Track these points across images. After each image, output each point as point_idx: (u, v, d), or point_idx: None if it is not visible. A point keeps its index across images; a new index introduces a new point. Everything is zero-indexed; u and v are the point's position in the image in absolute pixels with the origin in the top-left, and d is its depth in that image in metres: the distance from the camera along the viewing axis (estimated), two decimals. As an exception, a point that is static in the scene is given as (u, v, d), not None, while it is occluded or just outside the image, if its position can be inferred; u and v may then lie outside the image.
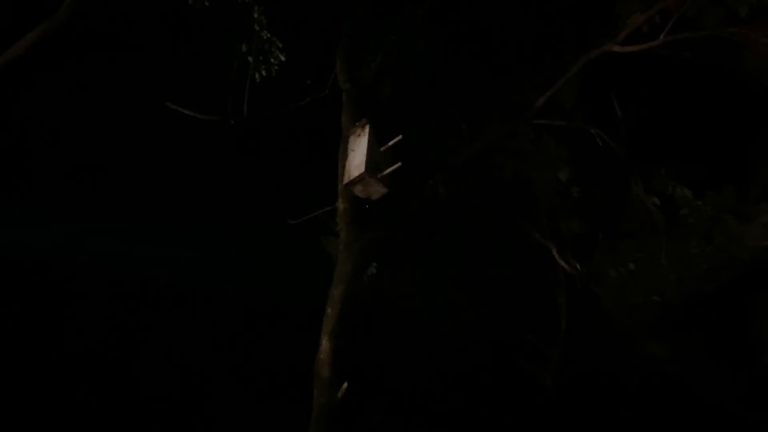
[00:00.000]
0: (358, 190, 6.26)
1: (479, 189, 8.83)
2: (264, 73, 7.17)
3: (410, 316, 10.25)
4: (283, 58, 7.19)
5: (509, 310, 9.96)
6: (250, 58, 7.06)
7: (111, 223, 10.59)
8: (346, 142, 6.49)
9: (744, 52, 7.34)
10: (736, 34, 7.02)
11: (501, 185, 8.83)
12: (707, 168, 8.61)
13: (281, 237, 9.17)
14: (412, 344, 10.60)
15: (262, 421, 10.74)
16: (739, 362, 9.46)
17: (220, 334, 11.12)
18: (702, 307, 8.87)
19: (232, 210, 10.54)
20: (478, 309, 10.03)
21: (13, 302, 10.08)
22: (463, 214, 9.12)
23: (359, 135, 6.33)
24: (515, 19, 8.44)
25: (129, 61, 9.19)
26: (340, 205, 6.61)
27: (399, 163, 6.19)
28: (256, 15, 6.94)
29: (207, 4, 6.72)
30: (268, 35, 7.07)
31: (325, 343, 6.17)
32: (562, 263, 8.61)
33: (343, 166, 6.41)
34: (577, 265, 8.60)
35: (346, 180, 6.26)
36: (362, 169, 6.08)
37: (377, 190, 6.24)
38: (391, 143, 6.35)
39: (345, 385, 6.08)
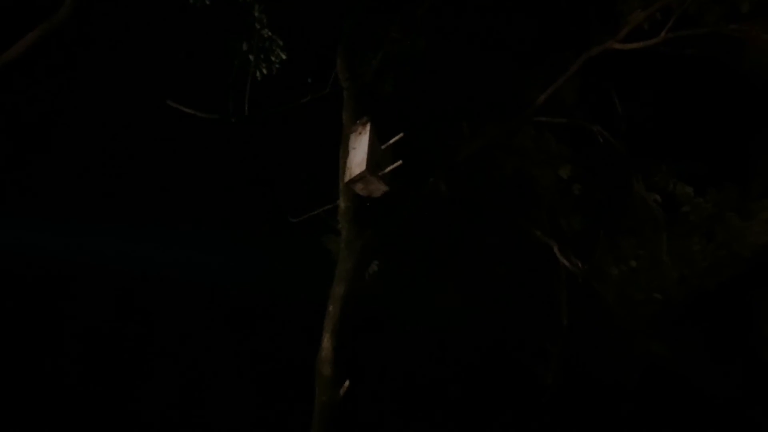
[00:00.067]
0: (359, 188, 6.26)
1: (480, 186, 8.83)
2: (265, 71, 7.16)
3: (411, 314, 10.25)
4: (284, 57, 7.18)
5: (510, 308, 9.96)
6: (251, 57, 7.05)
7: (111, 223, 10.59)
8: (347, 140, 6.49)
9: (745, 49, 7.34)
10: (737, 31, 7.02)
11: (502, 183, 8.83)
12: (708, 165, 8.61)
13: (282, 235, 9.17)
14: (412, 342, 10.60)
15: (264, 419, 10.75)
16: (741, 359, 9.45)
17: (222, 333, 11.13)
18: (703, 304, 8.86)
19: (233, 208, 10.54)
20: (479, 306, 10.03)
21: (13, 302, 10.08)
22: (464, 211, 9.12)
23: (360, 133, 6.32)
24: (516, 16, 8.43)
25: (130, 60, 9.19)
26: (342, 203, 6.62)
27: (400, 161, 6.19)
28: (256, 14, 6.94)
29: (208, 2, 6.71)
30: (269, 34, 7.06)
31: (326, 342, 6.18)
32: (564, 260, 8.61)
33: (344, 164, 6.41)
34: (579, 263, 8.60)
35: (347, 178, 6.26)
36: (363, 167, 6.08)
37: (378, 188, 6.24)
38: (392, 141, 6.35)
39: (347, 383, 6.09)
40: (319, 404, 6.07)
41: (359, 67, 7.09)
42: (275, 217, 8.43)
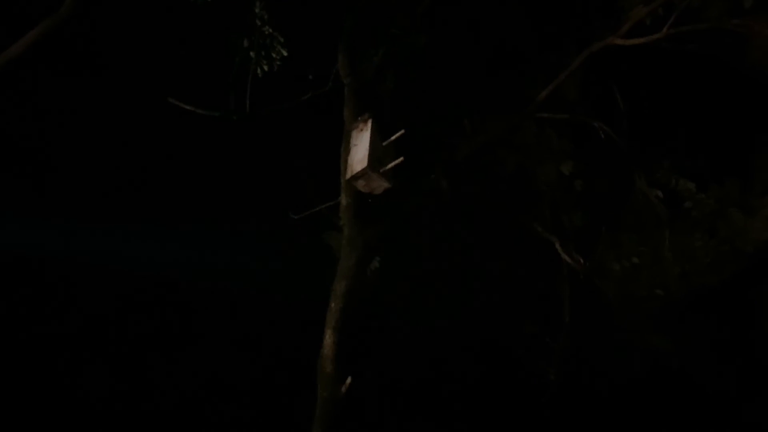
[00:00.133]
0: (360, 184, 6.26)
1: (482, 183, 8.82)
2: (266, 68, 7.16)
3: (412, 311, 10.25)
4: (284, 53, 7.17)
5: (512, 304, 9.96)
6: (251, 54, 7.05)
7: (110, 221, 10.58)
8: (349, 137, 6.48)
9: (748, 45, 7.31)
10: (740, 26, 6.99)
11: (503, 179, 8.82)
12: (710, 161, 8.59)
13: (284, 232, 9.17)
14: (414, 339, 10.60)
15: (266, 416, 10.77)
16: (743, 355, 9.45)
17: (222, 330, 11.14)
18: (705, 300, 8.86)
19: (233, 206, 10.54)
20: (481, 303, 10.03)
21: (12, 302, 10.08)
22: (465, 208, 9.11)
23: (361, 130, 6.32)
24: (517, 12, 8.41)
25: (130, 57, 9.18)
26: (343, 200, 6.61)
27: (401, 158, 6.19)
28: (257, 10, 6.93)
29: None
30: (270, 30, 7.05)
31: (328, 338, 6.18)
32: (565, 257, 8.60)
33: (346, 161, 6.40)
34: (580, 259, 8.59)
35: (348, 175, 6.25)
36: (365, 163, 6.08)
37: (380, 185, 6.24)
38: (393, 138, 6.34)
39: (348, 379, 6.10)
40: (321, 401, 6.08)
41: (360, 64, 7.07)
42: (276, 214, 8.43)
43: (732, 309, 9.29)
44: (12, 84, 6.86)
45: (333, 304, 6.30)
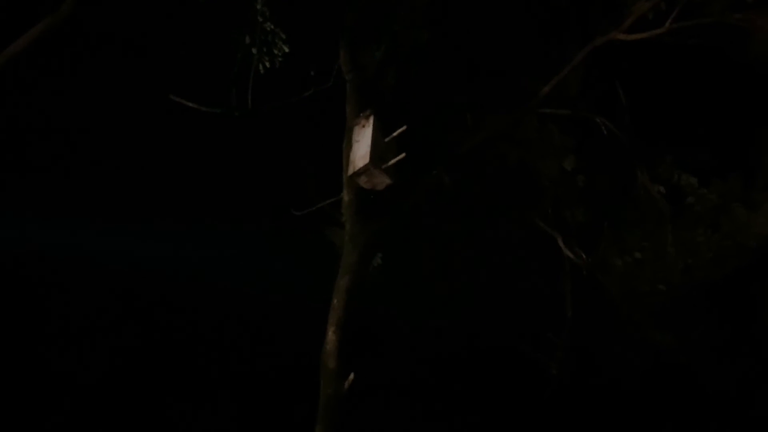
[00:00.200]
0: (362, 181, 6.26)
1: (484, 178, 8.81)
2: (268, 64, 7.15)
3: (414, 307, 10.26)
4: (286, 50, 7.16)
5: (514, 300, 9.96)
6: (253, 50, 7.04)
7: (111, 220, 10.58)
8: (351, 133, 6.48)
9: (750, 39, 7.29)
10: (742, 21, 6.97)
11: (505, 175, 8.81)
12: (713, 156, 8.57)
13: (286, 228, 9.18)
14: (416, 334, 10.62)
15: (270, 412, 10.79)
16: (746, 351, 9.44)
17: (224, 327, 11.15)
18: (708, 295, 8.85)
19: (235, 202, 10.55)
20: (483, 298, 10.03)
21: (12, 301, 10.08)
22: (467, 203, 9.11)
23: (363, 126, 6.32)
24: (519, 7, 8.39)
25: (132, 55, 9.17)
26: (345, 196, 6.61)
27: (403, 154, 6.19)
28: (259, 6, 6.92)
29: (210, -4, 6.71)
30: (272, 27, 7.04)
31: (331, 334, 6.19)
32: (568, 252, 8.60)
33: (348, 157, 6.40)
34: (583, 254, 8.59)
35: (350, 171, 6.25)
36: (367, 160, 6.08)
37: (382, 181, 6.24)
38: (395, 134, 6.34)
39: (351, 375, 6.10)
40: (324, 397, 6.09)
41: (362, 60, 7.07)
42: (278, 210, 8.43)
43: (735, 304, 9.29)
44: (12, 82, 6.85)
45: (335, 301, 6.31)
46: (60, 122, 9.83)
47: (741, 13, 6.92)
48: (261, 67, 7.12)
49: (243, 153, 10.05)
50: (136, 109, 9.62)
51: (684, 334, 9.08)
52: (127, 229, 10.81)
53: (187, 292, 10.97)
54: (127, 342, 10.84)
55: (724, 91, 8.82)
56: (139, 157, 10.27)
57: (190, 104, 6.93)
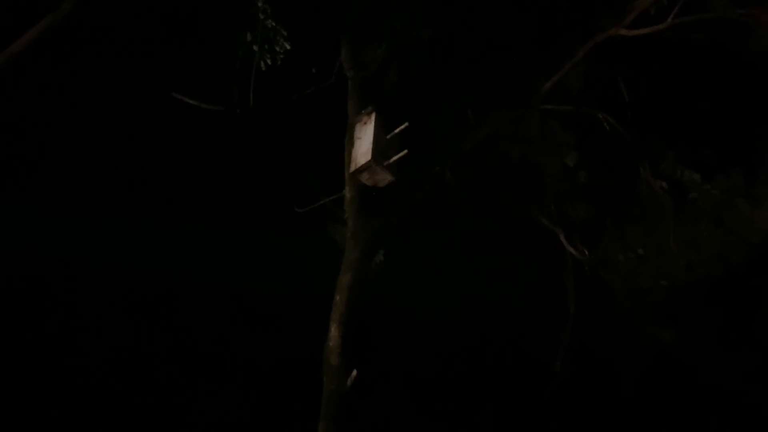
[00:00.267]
0: (364, 177, 6.26)
1: (486, 175, 8.81)
2: (269, 61, 7.15)
3: (417, 303, 10.27)
4: (288, 47, 7.16)
5: (517, 296, 9.97)
6: (255, 47, 7.04)
7: (111, 219, 10.56)
8: (353, 130, 6.48)
9: (753, 34, 7.28)
10: (744, 16, 6.97)
11: (508, 171, 8.81)
12: (715, 151, 8.56)
13: (288, 225, 9.18)
14: (419, 331, 10.62)
15: (273, 409, 10.81)
16: (749, 346, 9.43)
17: (227, 325, 11.15)
18: (711, 291, 8.84)
19: (237, 200, 10.54)
20: (486, 295, 10.03)
21: (12, 301, 10.09)
22: (470, 200, 9.11)
23: (365, 123, 6.32)
24: (521, 3, 8.38)
25: (133, 53, 9.16)
26: (347, 193, 6.61)
27: (405, 151, 6.19)
28: (260, 3, 6.92)
29: (211, -7, 6.72)
30: (273, 24, 7.05)
31: (334, 331, 6.18)
32: (570, 249, 8.59)
33: (350, 154, 6.40)
34: (585, 251, 8.58)
35: (352, 168, 6.25)
36: (369, 156, 6.08)
37: (384, 178, 6.24)
38: (397, 130, 6.34)
39: (354, 372, 6.10)
40: (327, 393, 6.09)
41: (364, 57, 7.07)
42: (281, 207, 8.44)
43: (738, 300, 9.28)
44: (13, 80, 6.86)
45: (338, 297, 6.31)
46: (60, 122, 9.82)
47: (743, 8, 6.92)
48: (262, 64, 7.13)
49: (244, 150, 10.05)
50: (137, 107, 9.61)
51: (686, 329, 9.08)
52: (127, 229, 10.78)
53: (188, 289, 10.96)
54: (128, 342, 10.83)
55: (727, 86, 8.80)
56: (140, 156, 10.26)
57: (192, 102, 6.94)
